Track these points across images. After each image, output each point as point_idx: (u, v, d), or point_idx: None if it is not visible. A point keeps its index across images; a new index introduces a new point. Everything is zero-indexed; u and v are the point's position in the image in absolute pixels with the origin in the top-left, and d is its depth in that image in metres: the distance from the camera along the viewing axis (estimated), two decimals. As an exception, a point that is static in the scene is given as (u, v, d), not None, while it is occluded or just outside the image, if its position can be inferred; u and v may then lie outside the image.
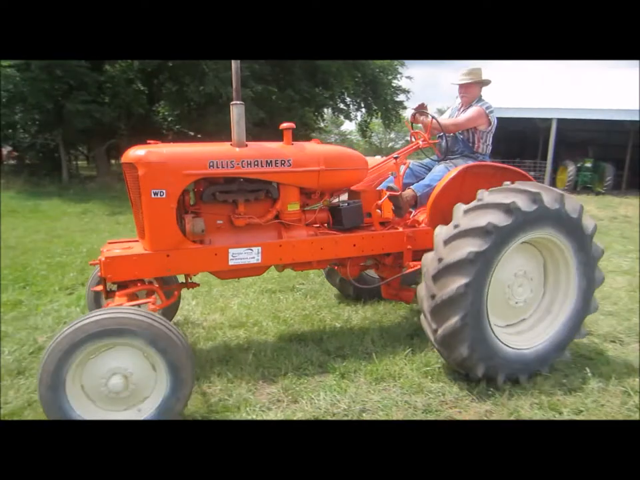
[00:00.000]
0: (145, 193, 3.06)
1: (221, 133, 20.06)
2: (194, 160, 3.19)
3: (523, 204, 3.01)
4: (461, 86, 4.17)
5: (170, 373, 2.56)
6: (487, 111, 4.01)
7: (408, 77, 27.54)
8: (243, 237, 3.42)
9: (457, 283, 2.92)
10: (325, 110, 25.68)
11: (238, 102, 3.24)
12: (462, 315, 2.94)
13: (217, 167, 3.21)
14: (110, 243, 3.48)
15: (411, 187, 3.95)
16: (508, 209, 2.98)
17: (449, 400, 3.05)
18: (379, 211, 3.91)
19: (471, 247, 2.93)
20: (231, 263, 3.28)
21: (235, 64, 3.19)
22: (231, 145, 3.34)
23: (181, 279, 3.88)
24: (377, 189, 4.15)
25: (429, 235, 3.52)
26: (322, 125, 27.80)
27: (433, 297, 3.03)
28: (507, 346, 3.18)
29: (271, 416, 2.88)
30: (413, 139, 4.28)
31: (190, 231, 3.20)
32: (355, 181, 3.81)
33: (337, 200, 3.93)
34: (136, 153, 3.10)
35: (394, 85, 27.02)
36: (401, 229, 3.80)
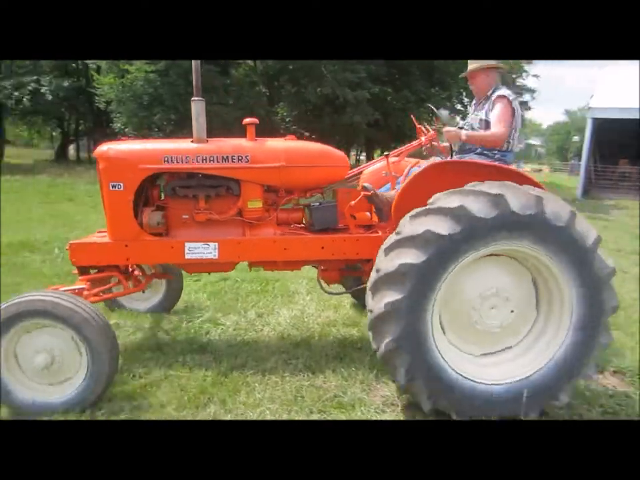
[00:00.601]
0: (104, 186, 3.30)
1: (336, 133, 20.55)
2: (149, 155, 3.32)
3: (478, 208, 2.53)
4: (469, 77, 3.62)
5: (89, 355, 2.75)
6: (511, 98, 3.38)
7: (535, 76, 25.62)
8: (204, 232, 3.42)
9: (387, 298, 2.60)
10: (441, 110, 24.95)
11: (198, 98, 3.30)
12: (396, 336, 2.60)
13: (172, 162, 3.29)
14: (99, 232, 3.67)
15: (397, 187, 3.49)
16: (454, 214, 2.55)
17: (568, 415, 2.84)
18: (367, 214, 3.61)
19: (404, 258, 2.57)
20: (187, 256, 3.32)
21: (195, 63, 3.24)
22: (191, 141, 3.39)
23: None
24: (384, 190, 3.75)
25: None
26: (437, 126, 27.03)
27: (370, 311, 2.73)
28: (463, 376, 2.72)
29: (386, 418, 2.86)
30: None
31: (146, 223, 3.35)
32: (328, 180, 3.59)
33: (314, 199, 3.67)
34: (99, 148, 3.36)
35: (518, 83, 25.44)
36: (380, 234, 3.38)
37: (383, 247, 2.77)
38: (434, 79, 20.51)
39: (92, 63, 20.14)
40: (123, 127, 18.97)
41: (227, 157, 3.32)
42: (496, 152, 3.43)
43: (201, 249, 3.32)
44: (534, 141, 74.65)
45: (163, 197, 3.52)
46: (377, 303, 2.65)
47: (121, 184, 3.27)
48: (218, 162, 3.32)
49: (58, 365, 2.82)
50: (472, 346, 2.91)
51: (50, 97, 20.13)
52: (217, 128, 17.80)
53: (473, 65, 3.55)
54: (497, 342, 2.92)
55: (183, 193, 3.39)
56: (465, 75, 3.66)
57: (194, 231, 3.44)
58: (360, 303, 4.56)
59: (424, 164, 3.47)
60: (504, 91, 3.43)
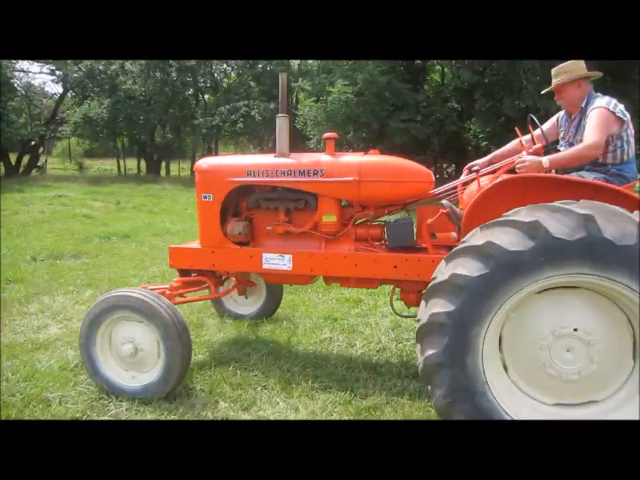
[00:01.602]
0: (198, 196, 3.67)
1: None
2: (235, 169, 3.60)
3: (558, 227, 2.22)
4: (556, 92, 3.27)
5: (165, 355, 3.06)
6: (611, 107, 2.96)
7: None
8: (282, 243, 3.60)
9: (436, 308, 2.39)
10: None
11: (283, 114, 3.47)
12: (437, 352, 2.37)
13: (254, 176, 3.53)
14: None
15: None
16: (527, 229, 2.27)
17: None
18: (452, 234, 3.34)
19: (460, 268, 2.35)
20: (264, 266, 3.49)
21: (282, 76, 3.29)
22: (274, 155, 3.56)
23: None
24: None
25: None
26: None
27: (418, 320, 2.54)
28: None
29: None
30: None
31: (229, 232, 3.59)
32: (408, 196, 3.46)
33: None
34: (197, 162, 3.80)
35: None
36: None
37: (448, 254, 2.60)
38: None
39: (297, 87, 22.09)
40: (317, 144, 20.29)
41: (304, 170, 3.44)
42: (609, 166, 3.04)
43: (276, 260, 3.48)
44: None
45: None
46: (425, 312, 2.49)
47: (211, 195, 3.62)
48: (295, 176, 3.47)
49: (141, 355, 3.19)
50: (540, 392, 2.55)
51: (259, 119, 22.61)
52: (406, 145, 17.99)
53: (559, 77, 3.19)
54: (576, 392, 2.52)
55: (265, 205, 3.65)
56: (552, 89, 3.30)
57: (274, 242, 3.68)
58: None
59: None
60: (600, 101, 3.02)
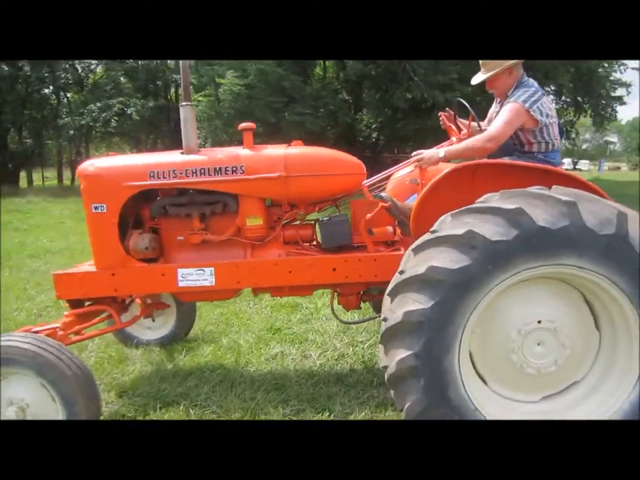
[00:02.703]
0: (86, 208, 3.07)
1: (425, 138, 19.81)
2: (134, 171, 3.08)
3: (542, 215, 2.16)
4: (488, 82, 3.16)
5: (63, 406, 2.49)
6: (527, 106, 2.89)
7: (635, 69, 23.57)
8: (200, 255, 3.17)
9: (409, 306, 2.25)
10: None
11: (187, 103, 3.08)
12: (412, 354, 2.23)
13: (158, 178, 3.05)
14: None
15: (416, 196, 3.09)
16: (511, 217, 2.17)
17: None
18: (388, 228, 3.27)
19: (437, 261, 2.22)
20: (180, 284, 3.05)
21: (184, 64, 3.06)
22: (181, 152, 3.15)
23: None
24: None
25: None
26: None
27: (385, 320, 2.39)
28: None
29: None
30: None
31: (133, 248, 3.09)
32: (340, 190, 3.25)
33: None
34: (81, 166, 3.17)
35: (612, 78, 23.83)
36: (403, 251, 2.95)
37: (412, 246, 2.46)
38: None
39: (178, 80, 20.79)
40: (203, 143, 19.32)
41: (220, 168, 3.04)
42: (537, 153, 3.03)
43: (194, 276, 3.05)
44: (611, 138, 73.21)
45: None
46: (395, 311, 2.31)
47: (104, 205, 3.05)
48: (209, 175, 3.05)
49: (32, 416, 2.56)
50: (525, 394, 2.53)
51: (137, 118, 20.92)
52: (302, 139, 17.69)
53: (488, 66, 3.08)
54: (558, 380, 2.52)
55: (175, 211, 3.16)
56: (483, 81, 3.19)
57: (189, 254, 3.21)
58: None
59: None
60: (521, 95, 2.94)
